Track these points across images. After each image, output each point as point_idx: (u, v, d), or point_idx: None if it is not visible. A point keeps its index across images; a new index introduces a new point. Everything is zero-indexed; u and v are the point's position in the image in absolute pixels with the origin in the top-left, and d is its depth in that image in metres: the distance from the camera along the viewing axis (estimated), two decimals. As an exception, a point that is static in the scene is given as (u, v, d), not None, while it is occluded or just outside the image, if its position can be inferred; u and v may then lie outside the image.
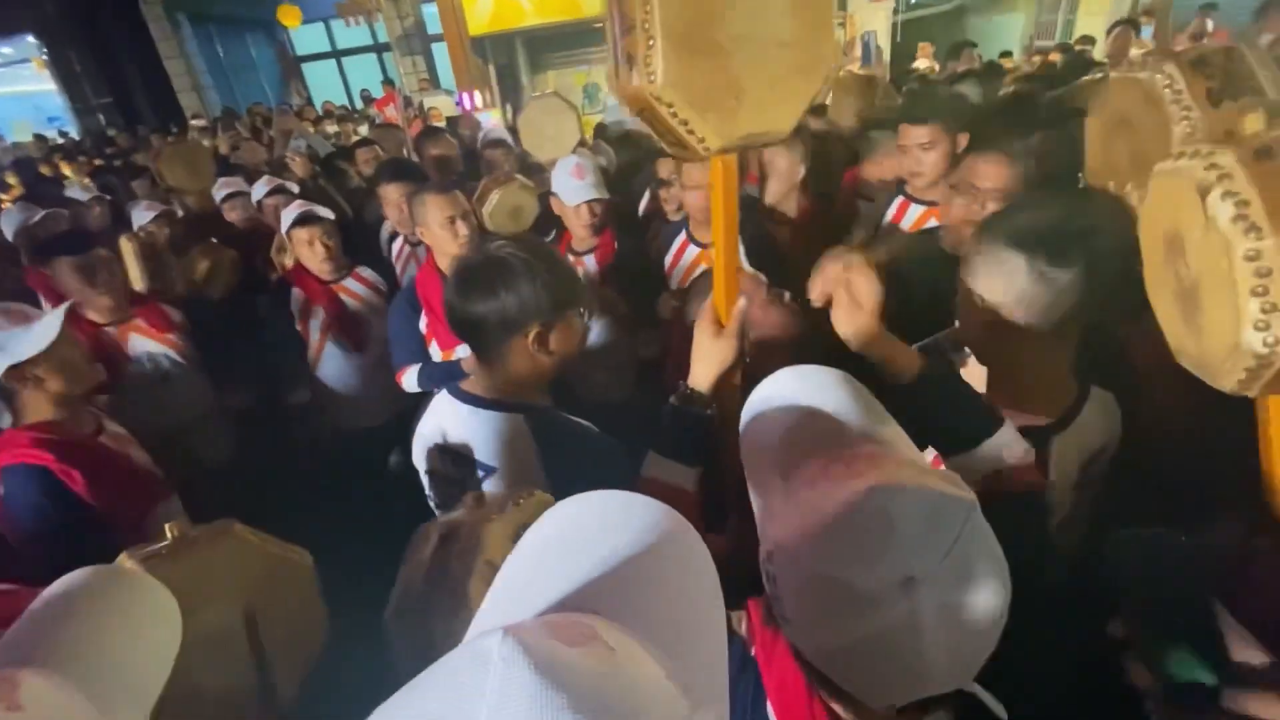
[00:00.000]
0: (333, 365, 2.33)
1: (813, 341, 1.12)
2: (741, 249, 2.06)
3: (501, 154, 3.19)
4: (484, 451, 1.18)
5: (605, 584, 0.39)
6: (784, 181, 2.36)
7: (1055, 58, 4.67)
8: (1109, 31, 4.45)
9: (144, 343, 2.07)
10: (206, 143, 5.37)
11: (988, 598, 0.52)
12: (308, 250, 2.23)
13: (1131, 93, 1.07)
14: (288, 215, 2.23)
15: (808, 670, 0.60)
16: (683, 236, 2.13)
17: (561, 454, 1.16)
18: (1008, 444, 0.88)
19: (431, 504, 1.32)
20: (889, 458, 0.60)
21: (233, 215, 3.11)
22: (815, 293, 0.88)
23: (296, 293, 2.26)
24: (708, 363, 0.95)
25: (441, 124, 5.01)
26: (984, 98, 2.84)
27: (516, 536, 0.79)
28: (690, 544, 0.45)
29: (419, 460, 1.30)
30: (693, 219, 2.11)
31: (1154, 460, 1.10)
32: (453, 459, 1.23)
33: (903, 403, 0.85)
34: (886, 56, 7.11)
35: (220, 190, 3.17)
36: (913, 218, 2.06)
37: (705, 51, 0.75)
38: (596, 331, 2.20)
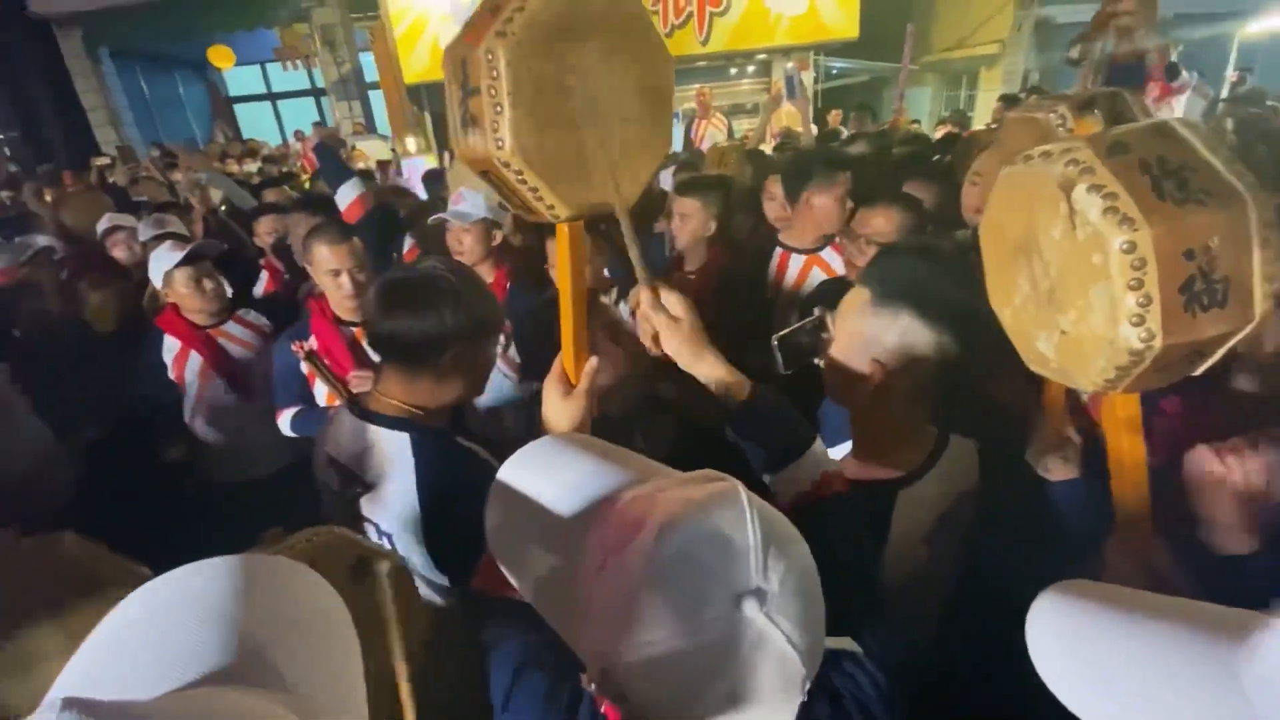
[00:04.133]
0: (215, 414, 2.19)
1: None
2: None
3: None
4: (362, 466, 1.17)
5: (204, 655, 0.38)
6: (695, 234, 2.47)
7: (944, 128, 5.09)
8: (997, 105, 4.89)
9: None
10: (110, 179, 5.15)
11: (806, 555, 0.53)
12: (186, 292, 2.11)
13: (1027, 131, 1.12)
14: (160, 258, 2.10)
15: None
16: None
17: (437, 477, 1.14)
18: (824, 454, 0.90)
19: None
20: (648, 494, 0.58)
21: (118, 251, 2.93)
22: (645, 333, 0.88)
23: (169, 340, 2.13)
24: (558, 424, 0.92)
25: (366, 166, 4.96)
26: (875, 157, 3.05)
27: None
28: (303, 588, 0.46)
29: (318, 472, 1.28)
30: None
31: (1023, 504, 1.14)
32: (337, 472, 1.21)
33: (734, 424, 0.87)
34: (810, 92, 7.58)
35: (104, 223, 2.99)
36: (796, 267, 2.15)
37: (554, 122, 0.74)
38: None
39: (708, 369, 0.87)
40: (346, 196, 2.48)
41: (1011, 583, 0.89)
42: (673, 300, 0.85)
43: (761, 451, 0.89)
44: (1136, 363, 0.58)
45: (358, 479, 1.18)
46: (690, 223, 2.45)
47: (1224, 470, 0.76)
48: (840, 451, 1.19)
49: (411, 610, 0.90)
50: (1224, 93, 6.26)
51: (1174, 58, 5.32)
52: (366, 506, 1.18)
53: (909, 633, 1.01)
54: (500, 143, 0.72)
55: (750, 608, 0.49)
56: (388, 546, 1.15)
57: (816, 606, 0.53)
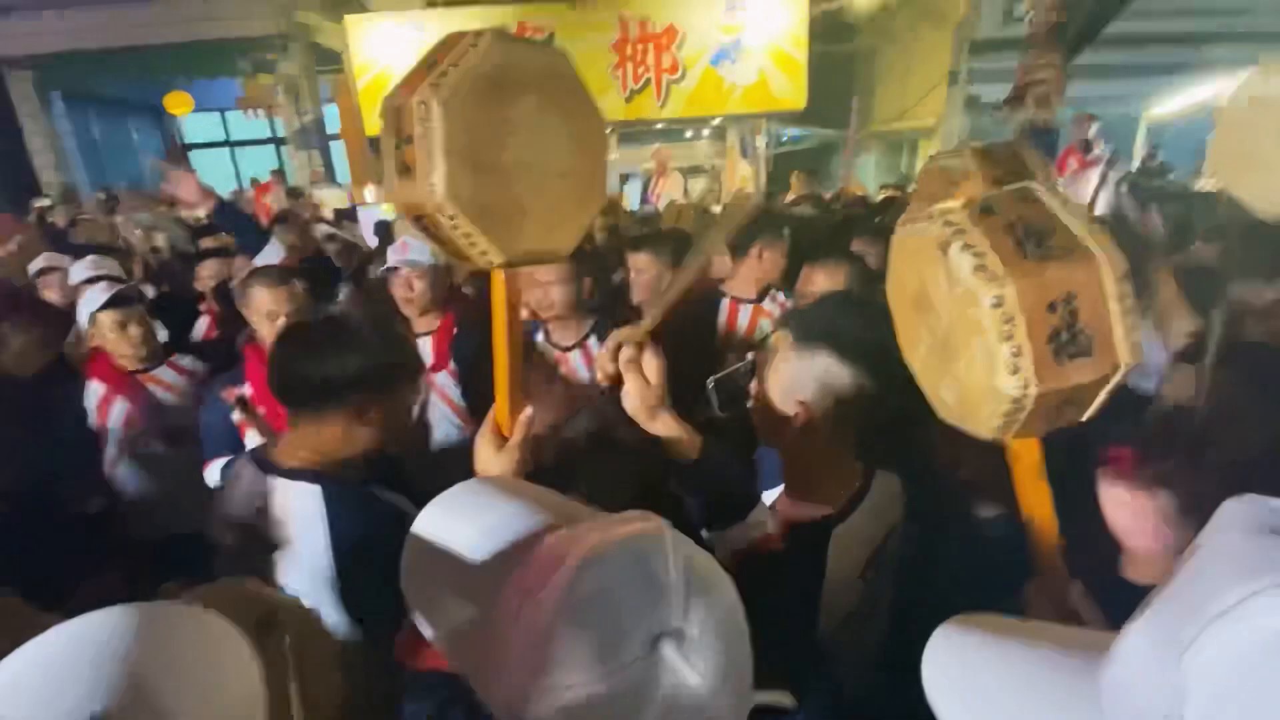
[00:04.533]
0: (140, 463, 2.08)
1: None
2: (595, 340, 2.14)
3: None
4: (267, 523, 1.11)
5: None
6: (651, 286, 2.53)
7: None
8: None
9: None
10: (51, 220, 5.00)
11: (730, 598, 0.51)
12: (116, 336, 2.03)
13: (939, 178, 1.23)
14: (90, 299, 2.03)
15: None
16: (539, 338, 2.14)
17: (351, 531, 1.09)
18: (765, 518, 0.91)
19: None
20: (571, 535, 0.57)
21: (49, 293, 2.81)
22: (602, 373, 0.89)
23: (94, 385, 2.03)
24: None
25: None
26: (819, 217, 3.22)
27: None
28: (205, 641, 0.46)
29: (217, 533, 1.19)
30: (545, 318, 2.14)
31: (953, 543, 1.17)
32: (237, 532, 1.14)
33: (686, 481, 0.88)
34: (761, 161, 7.93)
35: (38, 263, 2.89)
36: (745, 316, 2.24)
37: (487, 170, 0.75)
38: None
39: (662, 427, 0.88)
40: (270, 261, 2.30)
41: (939, 620, 0.92)
42: (652, 365, 0.86)
43: (704, 509, 0.90)
44: (1018, 409, 0.62)
45: (262, 538, 1.12)
46: (645, 276, 2.53)
47: (1134, 501, 0.80)
48: (772, 496, 1.22)
49: (326, 667, 0.86)
50: (1135, 166, 6.87)
51: (1092, 133, 5.87)
52: (273, 568, 1.12)
53: (846, 672, 1.01)
54: (433, 188, 0.73)
55: (668, 649, 0.48)
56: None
57: (741, 651, 0.52)
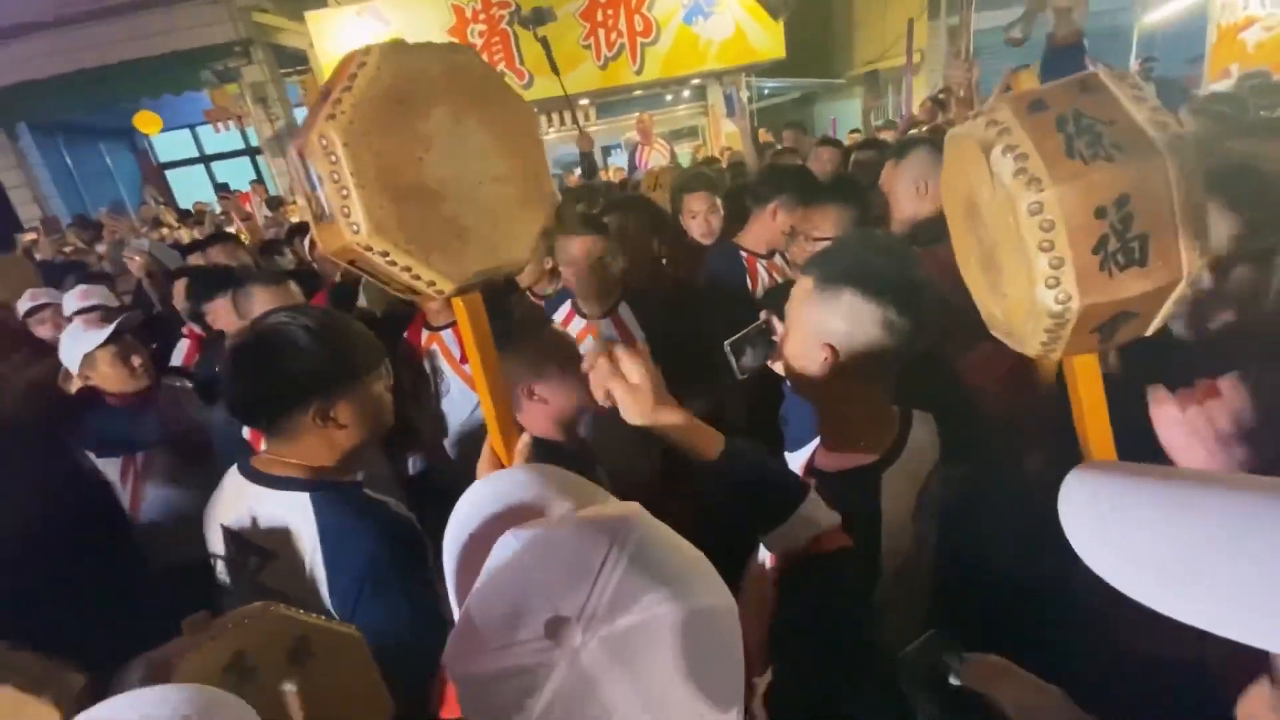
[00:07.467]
0: (157, 491, 2.07)
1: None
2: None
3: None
4: (259, 534, 1.10)
5: None
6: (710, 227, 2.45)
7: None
8: (920, 105, 5.11)
9: None
10: (39, 255, 4.94)
11: (707, 604, 0.45)
12: (112, 370, 1.99)
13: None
14: (76, 339, 1.96)
15: None
16: (567, 308, 2.11)
17: (341, 539, 1.07)
18: (816, 511, 0.83)
19: None
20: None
21: (42, 329, 2.75)
22: (599, 394, 0.81)
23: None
24: None
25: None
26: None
27: (232, 666, 0.67)
28: None
29: (210, 544, 1.18)
30: (576, 292, 2.10)
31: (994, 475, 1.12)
32: (235, 543, 1.12)
33: (712, 482, 0.80)
34: (748, 117, 7.74)
35: (26, 301, 2.81)
36: (763, 270, 2.24)
37: (411, 196, 0.70)
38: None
39: (669, 417, 0.80)
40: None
41: (984, 568, 0.88)
42: (630, 367, 0.78)
43: (740, 513, 0.82)
44: (1060, 325, 0.57)
45: (253, 549, 1.10)
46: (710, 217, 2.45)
47: (1189, 417, 0.73)
48: (802, 455, 1.18)
49: (369, 690, 0.82)
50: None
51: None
52: (271, 582, 1.10)
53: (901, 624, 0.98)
54: (355, 227, 0.67)
55: (569, 636, 0.42)
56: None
57: (706, 662, 0.44)
